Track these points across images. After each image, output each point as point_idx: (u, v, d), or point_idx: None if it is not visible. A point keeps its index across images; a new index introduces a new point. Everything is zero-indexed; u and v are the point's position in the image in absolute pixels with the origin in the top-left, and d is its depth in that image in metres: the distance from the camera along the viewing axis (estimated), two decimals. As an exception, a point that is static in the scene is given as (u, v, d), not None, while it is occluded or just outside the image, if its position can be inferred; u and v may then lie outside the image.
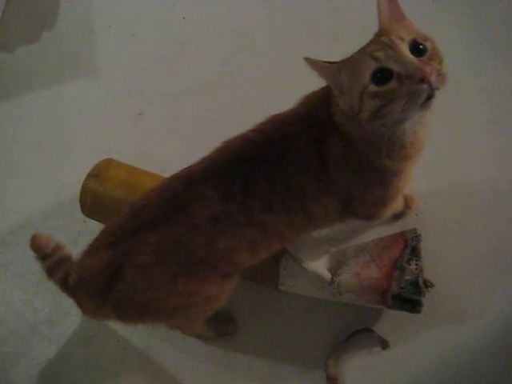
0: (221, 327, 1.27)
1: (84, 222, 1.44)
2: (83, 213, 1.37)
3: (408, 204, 1.30)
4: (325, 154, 0.98)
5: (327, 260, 1.18)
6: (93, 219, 1.38)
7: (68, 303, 1.36)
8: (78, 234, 1.48)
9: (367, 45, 0.90)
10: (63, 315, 1.39)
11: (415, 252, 1.12)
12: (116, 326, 1.33)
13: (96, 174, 1.33)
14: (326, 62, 0.90)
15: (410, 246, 1.12)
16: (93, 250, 1.03)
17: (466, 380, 1.15)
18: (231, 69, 1.70)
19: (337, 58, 0.91)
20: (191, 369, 1.28)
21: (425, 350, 1.19)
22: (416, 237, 1.14)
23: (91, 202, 1.33)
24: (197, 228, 0.96)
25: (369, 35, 0.90)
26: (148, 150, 1.56)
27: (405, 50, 0.84)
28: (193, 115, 1.63)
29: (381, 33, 0.89)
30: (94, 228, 1.41)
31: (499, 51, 1.50)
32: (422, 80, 0.81)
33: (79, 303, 1.04)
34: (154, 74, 1.75)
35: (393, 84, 0.84)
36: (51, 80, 1.79)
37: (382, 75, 0.84)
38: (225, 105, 1.62)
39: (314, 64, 0.89)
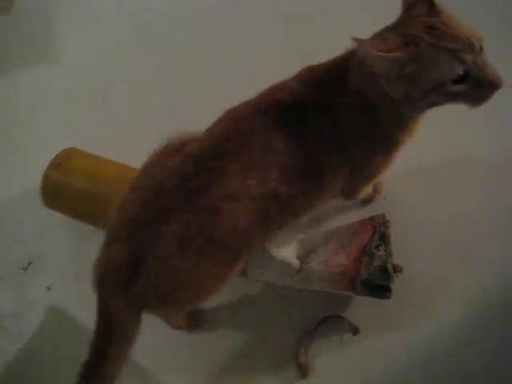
0: (192, 318, 1.25)
1: (48, 213, 1.39)
2: (45, 204, 1.33)
3: (376, 188, 1.30)
4: (340, 121, 0.98)
5: (296, 247, 1.17)
6: (55, 211, 1.34)
7: (32, 296, 1.35)
8: (42, 226, 1.44)
9: (439, 36, 0.86)
10: (28, 308, 1.35)
11: (384, 238, 1.11)
12: (84, 319, 1.29)
13: (58, 163, 1.30)
14: (379, 45, 0.86)
15: (378, 231, 1.12)
16: (112, 240, 1.00)
17: (434, 364, 1.15)
18: (200, 53, 1.67)
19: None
20: (163, 359, 1.26)
21: (394, 334, 1.19)
22: (385, 222, 1.13)
23: (53, 194, 1.30)
24: (216, 209, 0.95)
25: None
26: (113, 138, 1.50)
27: (486, 56, 0.87)
28: (158, 100, 1.59)
29: (443, 24, 0.87)
30: (59, 219, 1.39)
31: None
32: (498, 87, 0.86)
33: (106, 297, 1.00)
34: (116, 58, 1.71)
35: (467, 86, 0.87)
36: (9, 66, 1.74)
37: (460, 76, 0.86)
38: (190, 89, 1.58)
39: (366, 47, 0.85)
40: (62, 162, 1.30)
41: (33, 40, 1.80)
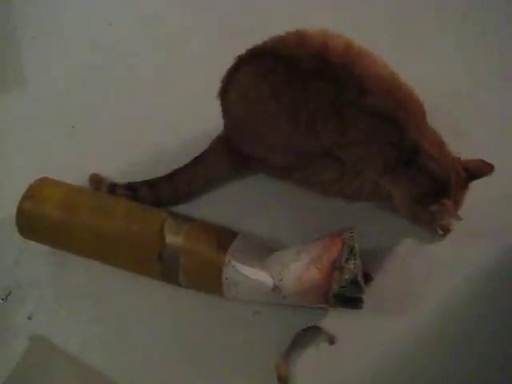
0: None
1: (25, 241, 1.39)
2: (21, 235, 1.34)
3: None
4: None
5: (269, 264, 1.20)
6: (33, 241, 1.36)
7: (14, 327, 1.35)
8: (19, 254, 1.43)
9: None
10: (10, 339, 1.34)
11: (353, 251, 1.14)
12: (67, 346, 1.30)
13: (31, 195, 1.30)
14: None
15: (347, 245, 1.15)
16: None
17: (412, 368, 1.20)
18: (165, 74, 1.70)
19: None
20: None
21: (370, 341, 1.23)
22: (352, 236, 1.17)
23: (28, 225, 1.31)
24: None
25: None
26: (85, 164, 1.51)
27: None
28: (128, 124, 1.59)
29: None
30: (36, 247, 1.40)
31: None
32: None
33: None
34: (83, 83, 1.71)
35: None
36: (-26, 96, 1.73)
37: None
38: (161, 112, 1.60)
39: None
40: (35, 194, 1.30)
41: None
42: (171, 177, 1.38)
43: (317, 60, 1.11)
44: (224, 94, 1.27)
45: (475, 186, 1.21)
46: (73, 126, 1.62)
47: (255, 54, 1.20)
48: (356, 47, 1.15)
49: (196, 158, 1.38)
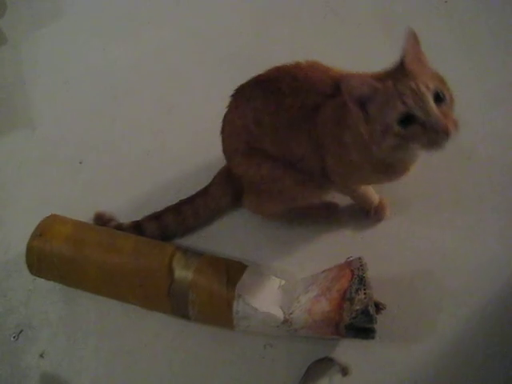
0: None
1: (34, 279, 1.41)
2: (31, 273, 1.35)
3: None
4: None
5: (279, 297, 1.20)
6: (42, 278, 1.36)
7: (26, 365, 1.35)
8: (28, 294, 1.44)
9: (393, 82, 0.97)
10: (22, 378, 1.34)
11: (363, 281, 1.13)
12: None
13: (40, 233, 1.31)
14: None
15: (356, 275, 1.14)
16: None
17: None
18: (167, 109, 1.71)
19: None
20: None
21: (384, 370, 1.21)
22: (362, 266, 1.16)
23: (38, 263, 1.32)
24: None
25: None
26: (92, 200, 1.53)
27: (431, 100, 0.94)
28: (134, 160, 1.61)
29: (406, 72, 0.97)
30: (45, 286, 1.40)
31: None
32: (444, 132, 0.92)
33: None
34: (90, 120, 1.73)
35: (415, 128, 0.95)
36: (-16, 136, 1.75)
37: (407, 118, 0.95)
38: (165, 146, 1.62)
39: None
40: (43, 232, 1.32)
41: (6, 107, 1.83)
42: (177, 208, 1.40)
43: (287, 79, 1.15)
44: (221, 130, 1.31)
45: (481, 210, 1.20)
46: (80, 162, 1.64)
47: (239, 87, 1.25)
48: (324, 65, 1.18)
49: (201, 190, 1.41)
